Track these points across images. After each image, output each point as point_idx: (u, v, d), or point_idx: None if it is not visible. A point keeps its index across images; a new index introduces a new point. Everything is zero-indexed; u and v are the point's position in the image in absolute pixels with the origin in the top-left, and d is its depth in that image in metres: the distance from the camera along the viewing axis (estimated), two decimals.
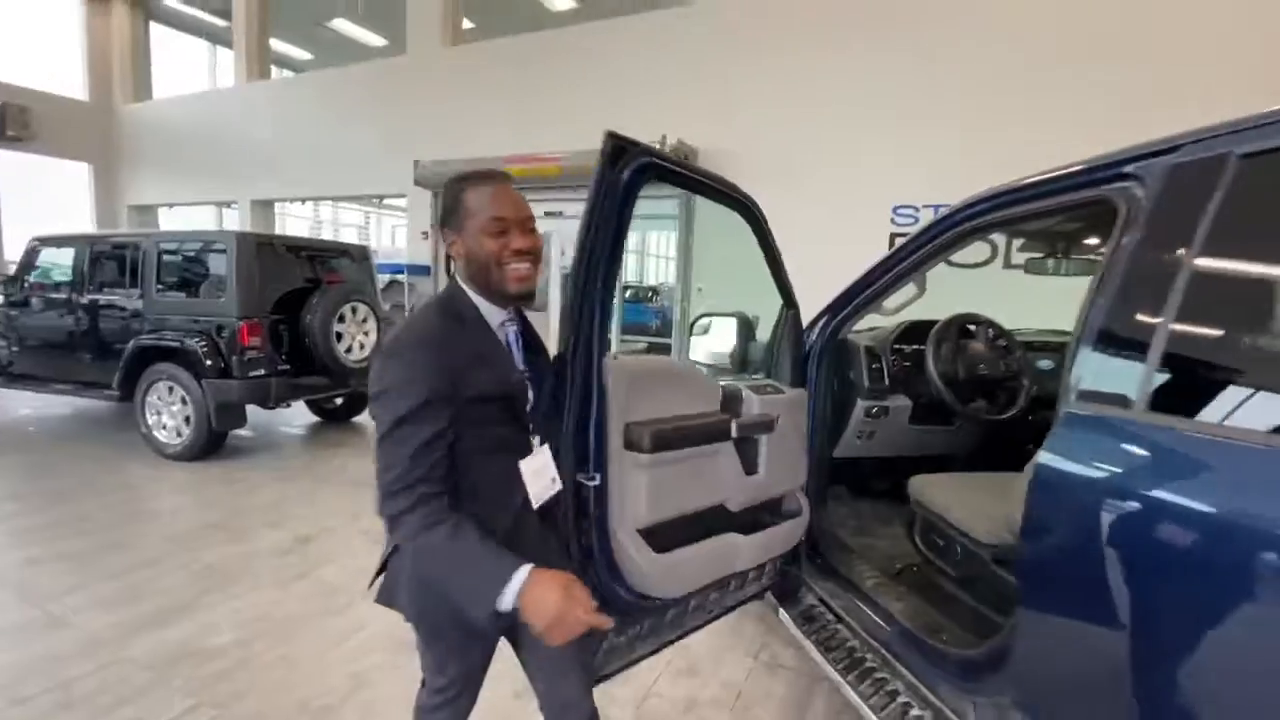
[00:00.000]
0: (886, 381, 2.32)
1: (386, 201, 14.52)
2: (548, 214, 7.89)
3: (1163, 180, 1.20)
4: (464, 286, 1.19)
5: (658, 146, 5.72)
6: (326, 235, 14.84)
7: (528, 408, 1.24)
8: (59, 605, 2.64)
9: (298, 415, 6.16)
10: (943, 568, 2.03)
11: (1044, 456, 1.19)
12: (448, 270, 1.30)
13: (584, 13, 11.43)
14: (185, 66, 12.19)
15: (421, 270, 8.56)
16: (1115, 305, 1.20)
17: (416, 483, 1.02)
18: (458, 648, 1.27)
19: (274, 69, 11.53)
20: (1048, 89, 5.40)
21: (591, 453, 1.34)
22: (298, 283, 4.99)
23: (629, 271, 16.43)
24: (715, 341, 2.38)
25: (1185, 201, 1.14)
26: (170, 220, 12.01)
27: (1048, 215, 1.60)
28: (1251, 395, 1.10)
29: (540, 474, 1.26)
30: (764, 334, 2.25)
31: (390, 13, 11.30)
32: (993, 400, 2.29)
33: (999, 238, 2.48)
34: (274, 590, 2.86)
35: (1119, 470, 1.09)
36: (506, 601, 1.01)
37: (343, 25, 12.43)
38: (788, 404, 1.84)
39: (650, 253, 21.33)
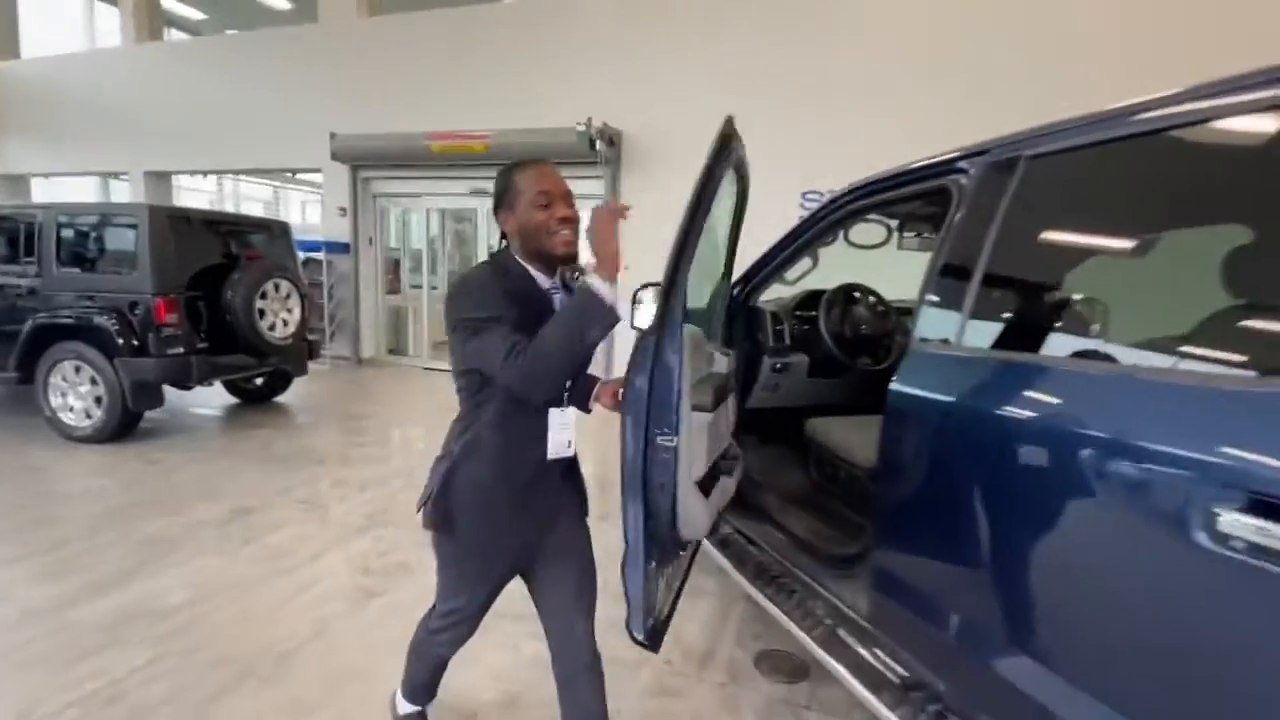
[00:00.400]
0: (788, 341, 2.70)
1: (298, 176, 13.79)
2: (475, 192, 7.91)
3: (980, 174, 1.59)
4: (516, 256, 1.40)
5: (582, 129, 5.88)
6: (227, 209, 13.93)
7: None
8: None
9: (211, 396, 5.97)
10: (831, 491, 2.44)
11: (893, 385, 1.57)
12: (502, 242, 1.45)
13: None
14: (57, 23, 11.01)
15: (340, 248, 8.33)
16: (944, 271, 1.58)
17: (509, 353, 1.23)
18: (472, 577, 1.48)
19: (165, 29, 10.68)
20: (939, 85, 6.00)
21: (674, 415, 1.44)
22: (214, 258, 4.85)
23: None
24: (653, 311, 2.66)
25: (992, 190, 1.53)
26: (45, 192, 10.93)
27: (907, 200, 1.99)
28: (1031, 331, 1.51)
29: (565, 429, 1.44)
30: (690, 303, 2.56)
31: None
32: (874, 355, 2.73)
33: (894, 222, 2.85)
34: (220, 557, 2.94)
35: (941, 389, 1.48)
36: (606, 294, 1.23)
37: None
38: (729, 363, 2.16)
39: None
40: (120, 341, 4.27)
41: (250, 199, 13.26)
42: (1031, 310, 1.55)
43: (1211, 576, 0.94)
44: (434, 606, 1.59)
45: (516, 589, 1.58)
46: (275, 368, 5.45)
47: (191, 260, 4.63)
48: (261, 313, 4.88)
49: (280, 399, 6.11)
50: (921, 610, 1.54)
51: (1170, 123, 1.20)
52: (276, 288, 5.02)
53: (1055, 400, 1.26)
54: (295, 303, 5.21)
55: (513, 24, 7.52)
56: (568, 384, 1.40)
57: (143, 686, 2.03)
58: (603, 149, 6.63)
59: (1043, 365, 1.36)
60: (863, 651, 1.71)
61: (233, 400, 6.00)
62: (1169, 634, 1.04)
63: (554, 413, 1.41)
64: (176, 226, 4.52)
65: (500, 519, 1.41)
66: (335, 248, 8.28)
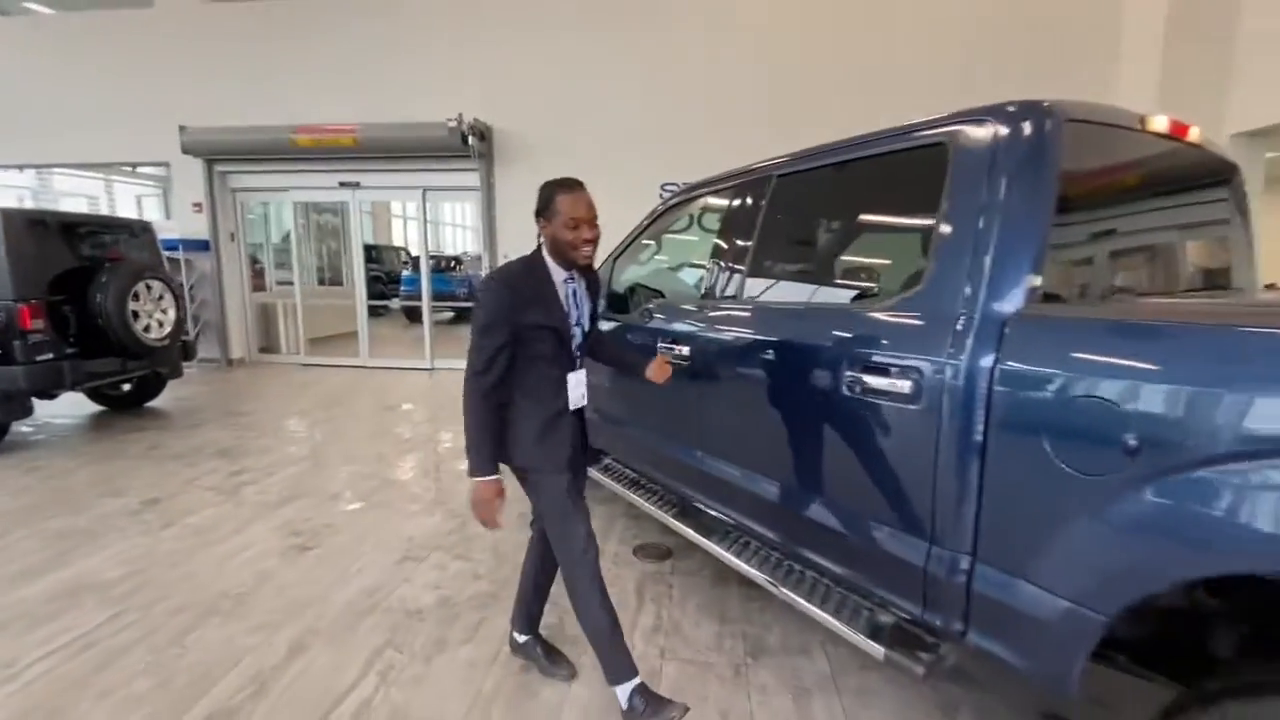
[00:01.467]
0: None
1: (138, 169, 12.48)
2: (343, 184, 7.95)
3: (748, 185, 2.37)
4: (544, 254, 1.78)
5: (453, 124, 6.26)
6: (34, 206, 12.31)
7: (573, 341, 1.82)
8: None
9: (71, 406, 5.71)
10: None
11: (651, 325, 2.32)
12: (537, 245, 1.81)
13: None
14: None
15: (199, 245, 7.97)
16: (717, 252, 2.35)
17: (484, 368, 1.68)
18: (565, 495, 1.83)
19: None
20: (770, 89, 7.00)
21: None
22: (74, 261, 4.73)
23: (432, 243, 16.25)
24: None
25: (755, 196, 2.30)
26: None
27: (714, 196, 2.75)
28: (773, 281, 2.30)
29: (577, 387, 1.86)
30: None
31: None
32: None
33: (695, 213, 3.52)
34: (144, 538, 3.17)
35: (683, 323, 2.24)
36: (470, 475, 1.74)
37: None
38: None
39: (445, 222, 21.02)
40: None
41: (74, 195, 11.88)
42: (778, 270, 2.34)
43: (836, 409, 1.75)
44: (564, 554, 1.87)
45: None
46: (149, 370, 5.37)
47: (52, 264, 4.52)
48: (135, 314, 4.85)
49: (153, 404, 5.96)
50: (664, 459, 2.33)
51: (850, 156, 2.01)
52: (149, 288, 4.98)
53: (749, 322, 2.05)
54: (169, 303, 5.19)
55: (375, 16, 7.58)
56: (577, 351, 1.85)
57: (112, 636, 2.35)
58: (475, 144, 7.00)
59: (767, 306, 2.17)
60: (694, 519, 2.49)
61: (98, 409, 5.78)
62: (805, 438, 1.87)
63: (571, 375, 1.85)
64: (33, 230, 4.39)
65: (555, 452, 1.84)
66: (193, 245, 7.92)
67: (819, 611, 1.85)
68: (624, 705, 1.79)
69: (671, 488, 2.67)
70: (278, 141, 7.30)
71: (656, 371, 2.05)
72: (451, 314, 13.16)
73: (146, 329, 4.95)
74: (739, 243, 2.37)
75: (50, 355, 4.37)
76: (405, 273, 13.49)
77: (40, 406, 5.22)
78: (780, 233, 2.27)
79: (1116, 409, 1.21)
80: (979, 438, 1.43)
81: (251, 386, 7.09)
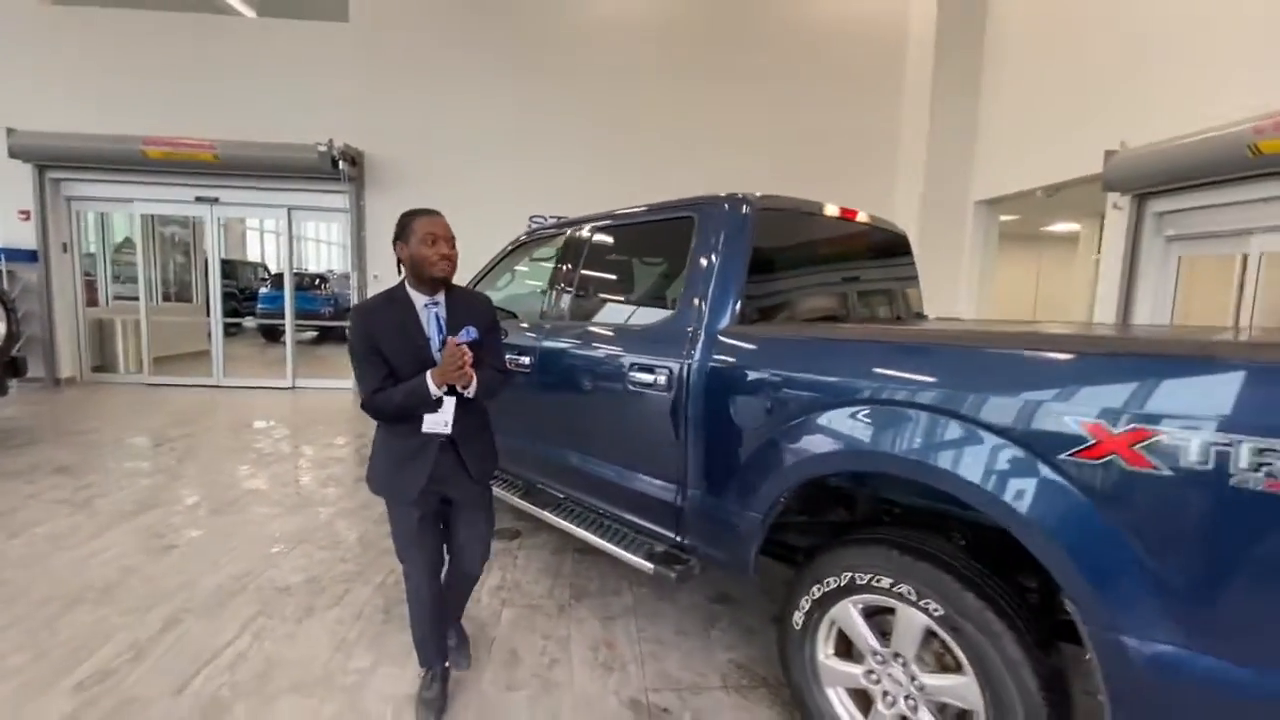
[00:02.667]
0: None
1: None
2: (200, 199, 7.78)
3: (566, 237, 3.06)
4: (405, 283, 1.90)
5: (323, 149, 6.53)
6: None
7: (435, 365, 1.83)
8: None
9: None
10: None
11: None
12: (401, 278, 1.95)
13: (215, 6, 10.81)
14: None
15: (24, 256, 7.37)
16: (552, 283, 3.02)
17: (379, 385, 1.83)
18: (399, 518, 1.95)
19: None
20: (613, 147, 7.91)
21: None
22: None
23: (298, 260, 15.58)
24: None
25: (572, 247, 2.99)
26: None
27: (545, 243, 3.41)
28: (580, 311, 3.00)
29: (439, 412, 1.85)
30: None
31: None
32: None
33: (538, 250, 4.18)
34: None
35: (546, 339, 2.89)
36: (434, 389, 1.79)
37: None
38: None
39: (309, 238, 20.15)
40: None
41: None
42: (590, 298, 3.04)
43: (623, 397, 2.45)
44: (406, 580, 2.03)
45: None
46: None
47: None
48: None
49: None
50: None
51: (646, 220, 2.75)
52: None
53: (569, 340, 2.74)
54: (0, 317, 4.95)
55: (236, 39, 7.60)
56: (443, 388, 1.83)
57: None
58: (345, 168, 7.22)
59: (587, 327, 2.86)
60: (536, 497, 3.09)
61: None
62: (603, 421, 2.56)
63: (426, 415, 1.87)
64: None
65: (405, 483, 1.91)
66: (17, 255, 7.32)
67: (612, 546, 2.51)
68: (416, 692, 2.12)
69: (519, 474, 3.24)
70: (125, 152, 7.04)
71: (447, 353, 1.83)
72: (315, 333, 12.79)
73: None
74: (565, 276, 3.04)
75: None
76: (263, 290, 12.92)
77: None
78: (592, 270, 2.97)
79: (762, 384, 1.99)
80: (701, 409, 2.18)
81: (87, 406, 6.68)
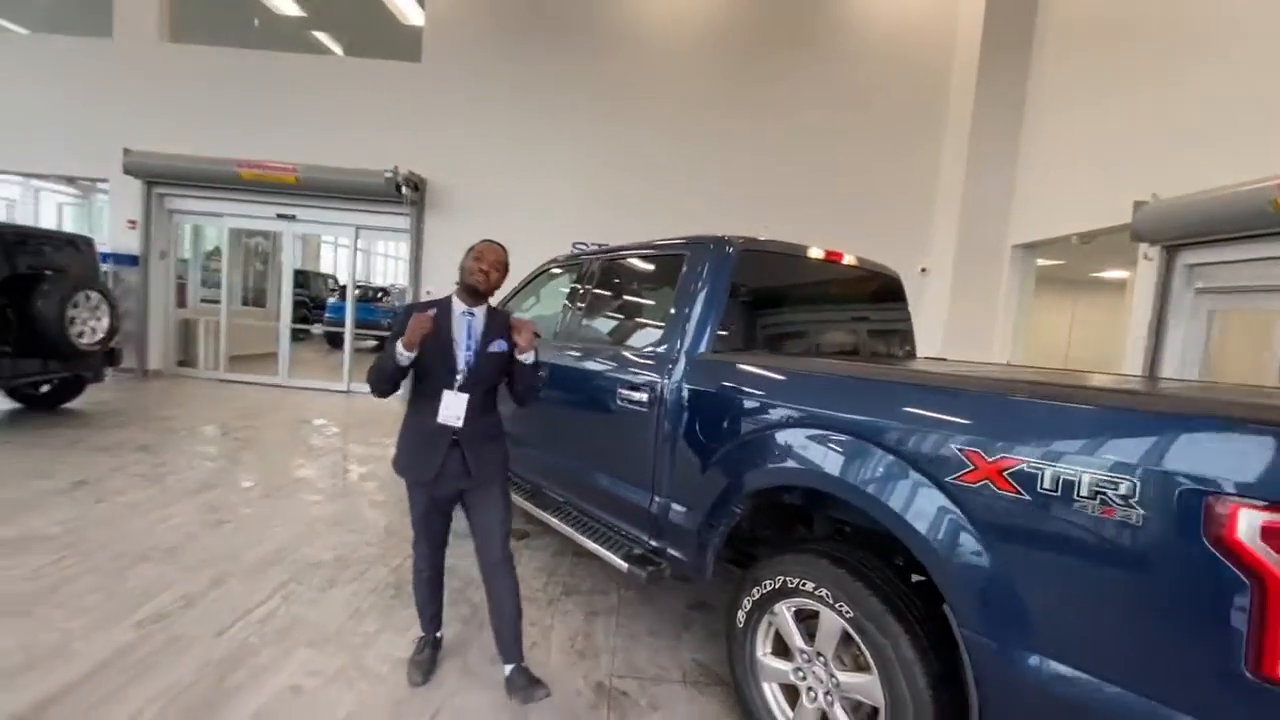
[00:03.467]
0: None
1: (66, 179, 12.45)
2: (280, 216, 8.59)
3: (585, 264, 3.39)
4: (454, 293, 2.18)
5: (389, 175, 7.17)
6: None
7: (457, 362, 2.10)
8: None
9: None
10: None
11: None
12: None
13: (310, 45, 11.96)
14: None
15: (128, 260, 8.34)
16: (578, 310, 3.35)
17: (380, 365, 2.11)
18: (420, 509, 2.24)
19: None
20: (653, 183, 8.32)
21: None
22: (14, 269, 5.21)
23: (361, 273, 16.65)
24: None
25: (588, 273, 3.32)
26: None
27: (569, 270, 3.76)
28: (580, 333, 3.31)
29: (451, 407, 2.08)
30: None
31: None
32: None
33: (559, 275, 4.55)
34: (76, 508, 3.73)
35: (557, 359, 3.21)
36: (403, 356, 2.02)
37: None
38: None
39: (378, 253, 21.42)
40: None
41: None
42: (597, 321, 3.35)
43: (615, 412, 2.73)
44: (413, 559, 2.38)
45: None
46: (71, 373, 5.78)
47: None
48: (72, 320, 5.34)
49: (71, 405, 6.30)
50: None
51: (645, 254, 3.06)
52: (87, 298, 5.49)
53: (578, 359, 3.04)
54: (105, 312, 5.69)
55: (322, 76, 8.46)
56: (459, 375, 2.10)
57: (57, 570, 2.96)
58: (408, 193, 7.88)
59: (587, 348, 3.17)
60: (540, 499, 3.39)
61: (14, 406, 6.07)
62: (598, 432, 2.84)
63: (446, 393, 2.11)
64: None
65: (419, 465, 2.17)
66: (123, 260, 8.28)
67: (595, 545, 2.76)
68: (409, 655, 2.41)
69: (527, 477, 3.55)
70: (221, 172, 7.92)
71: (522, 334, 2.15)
72: (375, 343, 13.62)
73: (80, 335, 5.43)
74: (578, 301, 3.37)
75: None
76: (331, 300, 13.89)
77: None
78: (600, 297, 3.30)
79: (722, 404, 2.25)
80: (673, 425, 2.44)
81: (169, 396, 7.46)
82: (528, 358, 2.18)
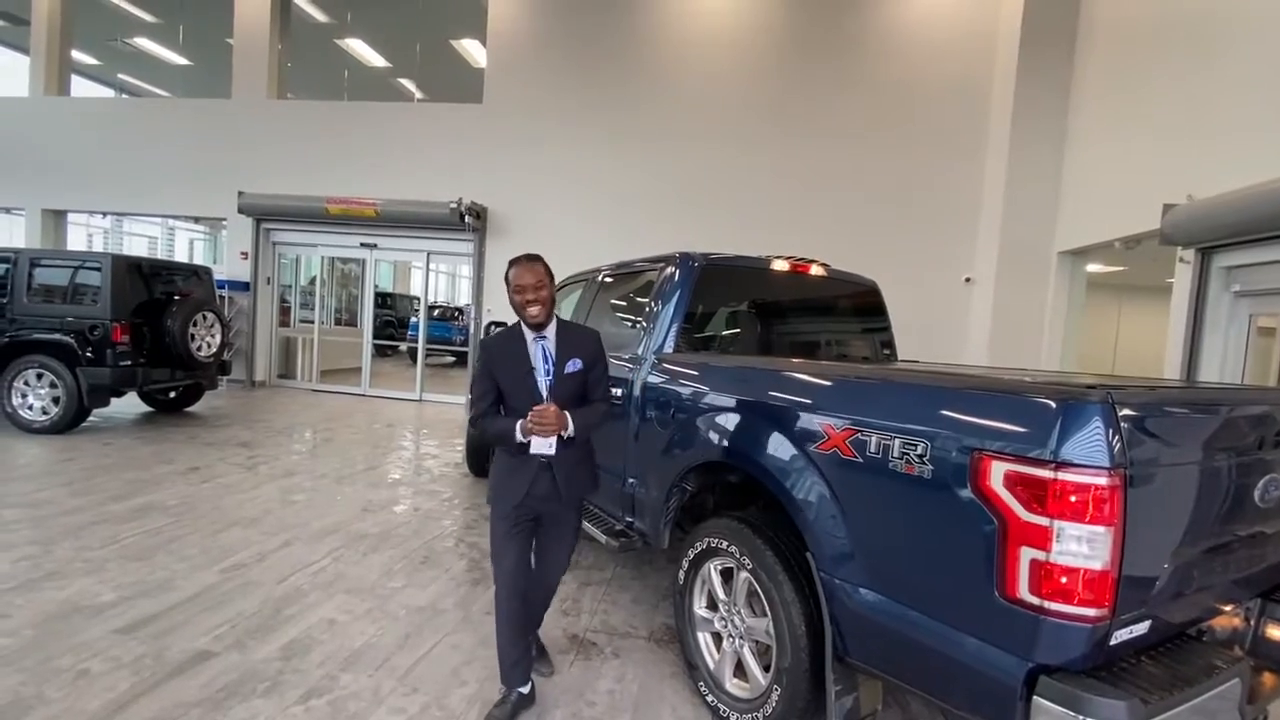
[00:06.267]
0: None
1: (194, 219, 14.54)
2: (364, 244, 9.69)
3: (598, 280, 3.87)
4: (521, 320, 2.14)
5: (454, 206, 8.02)
6: (103, 242, 14.36)
7: (538, 389, 2.08)
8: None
9: (124, 408, 7.23)
10: None
11: None
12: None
13: (395, 90, 13.30)
14: None
15: (240, 286, 9.68)
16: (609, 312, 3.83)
17: (479, 412, 2.15)
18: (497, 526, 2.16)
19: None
20: (698, 202, 8.72)
21: None
22: (151, 294, 6.34)
23: (436, 295, 18.00)
24: None
25: (595, 288, 3.79)
26: None
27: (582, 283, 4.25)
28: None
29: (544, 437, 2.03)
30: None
31: (202, 38, 12.11)
32: None
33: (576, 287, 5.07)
34: (189, 487, 4.58)
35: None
36: (519, 435, 2.02)
37: (142, 42, 12.76)
38: None
39: (462, 275, 22.98)
40: (81, 354, 5.68)
41: (139, 235, 13.91)
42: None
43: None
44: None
45: None
46: (195, 380, 6.89)
47: (138, 295, 6.12)
48: (192, 337, 6.41)
49: (191, 409, 7.46)
50: None
51: (636, 269, 3.50)
52: (205, 318, 6.57)
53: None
54: (217, 330, 6.76)
55: (397, 120, 9.55)
56: (544, 401, 2.04)
57: (173, 531, 3.73)
58: (471, 221, 8.73)
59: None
60: None
61: (147, 410, 7.29)
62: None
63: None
64: (129, 271, 6.02)
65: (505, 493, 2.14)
66: (236, 286, 9.62)
67: (586, 524, 3.19)
68: (499, 697, 2.21)
69: None
70: (314, 208, 9.09)
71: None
72: (452, 359, 14.76)
73: (199, 349, 6.50)
74: (586, 308, 3.84)
75: (129, 362, 5.90)
76: (413, 319, 15.21)
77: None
78: (603, 304, 3.76)
79: (673, 396, 2.64)
80: (640, 414, 2.85)
81: (269, 402, 8.60)
82: (568, 433, 2.08)
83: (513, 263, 2.11)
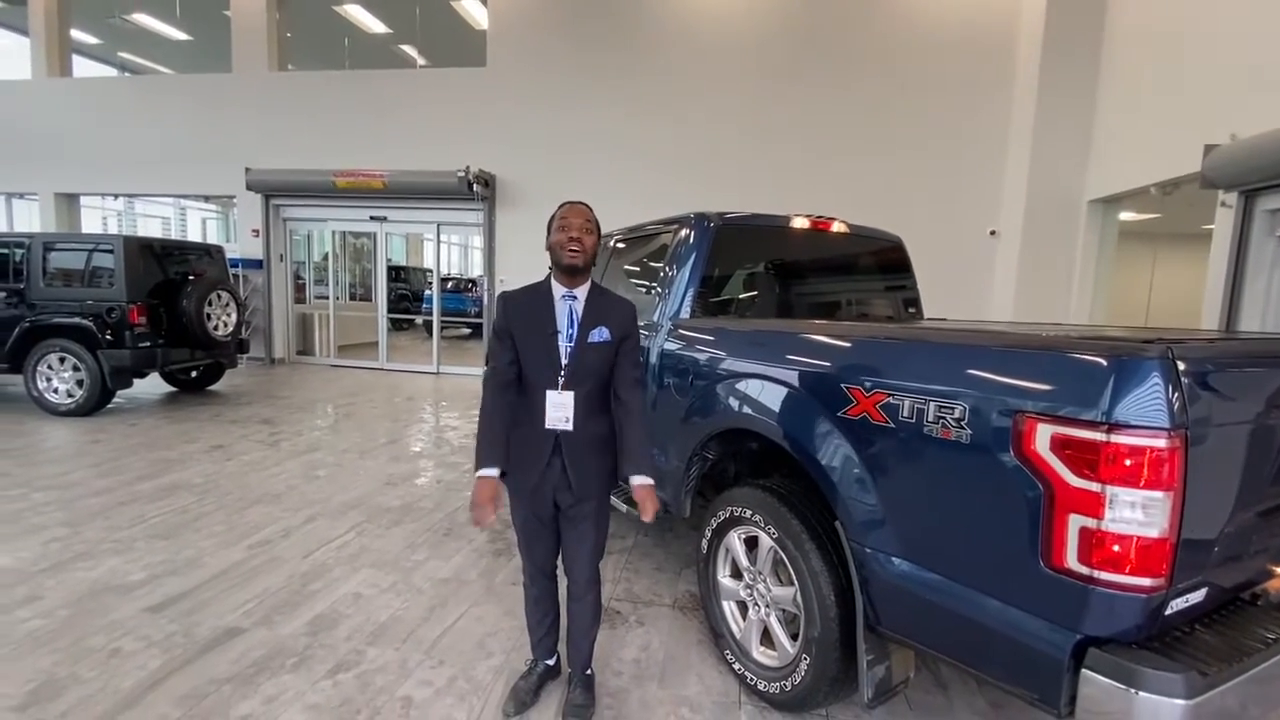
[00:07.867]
0: None
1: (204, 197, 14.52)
2: (373, 218, 9.60)
3: (614, 243, 3.76)
4: (550, 275, 1.92)
5: (461, 175, 7.88)
6: (117, 224, 14.44)
7: (560, 352, 1.84)
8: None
9: (147, 388, 7.32)
10: None
11: None
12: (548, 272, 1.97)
13: (397, 57, 12.98)
14: None
15: (254, 264, 9.68)
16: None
17: (494, 368, 1.92)
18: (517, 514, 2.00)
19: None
20: (726, 159, 8.46)
21: None
22: (166, 275, 6.34)
23: (449, 267, 17.92)
24: None
25: (613, 251, 3.69)
26: None
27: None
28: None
29: (558, 409, 1.84)
30: None
31: (200, 12, 11.88)
32: None
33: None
34: (213, 465, 4.63)
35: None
36: (481, 471, 1.83)
37: (142, 19, 12.55)
38: None
39: (474, 247, 22.86)
40: (101, 336, 5.72)
41: (153, 216, 13.93)
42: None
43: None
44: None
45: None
46: (214, 359, 6.94)
47: (153, 276, 6.13)
48: (208, 316, 6.43)
49: (213, 388, 7.54)
50: None
51: (649, 232, 3.38)
52: (219, 297, 6.57)
53: None
54: (232, 309, 6.77)
55: (400, 88, 9.33)
56: (563, 370, 1.84)
57: (197, 508, 3.78)
58: (479, 189, 8.57)
59: None
60: None
61: (170, 390, 7.38)
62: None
63: (550, 394, 1.86)
64: (142, 252, 6.01)
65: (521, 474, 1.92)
66: (250, 264, 9.62)
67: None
68: (525, 668, 2.23)
69: None
70: (322, 183, 8.99)
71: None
72: (468, 330, 14.75)
73: (215, 328, 6.52)
74: (599, 273, 3.74)
75: (148, 343, 5.94)
76: (427, 292, 15.19)
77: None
78: (616, 270, 3.65)
79: (691, 363, 2.55)
80: (659, 381, 2.78)
81: (289, 379, 8.67)
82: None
83: (562, 205, 1.94)
